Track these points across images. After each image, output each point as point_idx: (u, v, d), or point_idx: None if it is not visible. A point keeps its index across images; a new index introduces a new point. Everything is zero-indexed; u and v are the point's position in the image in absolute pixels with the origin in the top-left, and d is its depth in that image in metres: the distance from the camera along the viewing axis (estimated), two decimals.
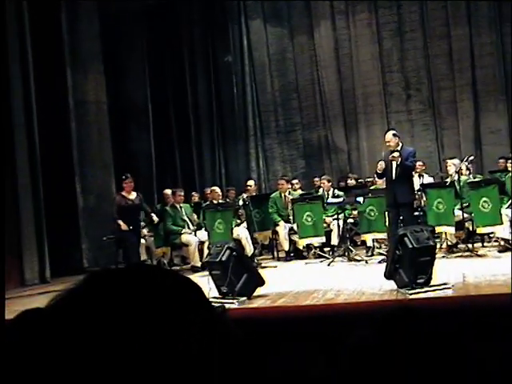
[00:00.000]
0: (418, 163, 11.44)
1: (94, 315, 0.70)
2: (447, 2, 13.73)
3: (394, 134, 9.03)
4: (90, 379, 0.68)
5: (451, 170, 9.84)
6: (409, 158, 8.86)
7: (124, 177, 9.71)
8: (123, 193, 9.70)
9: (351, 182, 12.05)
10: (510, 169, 9.77)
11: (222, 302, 6.45)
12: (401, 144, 9.05)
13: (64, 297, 0.74)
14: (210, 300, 0.78)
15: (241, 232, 10.47)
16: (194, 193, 12.39)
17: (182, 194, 10.87)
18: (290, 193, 11.10)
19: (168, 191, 11.13)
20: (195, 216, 10.93)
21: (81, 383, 0.68)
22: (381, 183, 10.09)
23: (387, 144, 8.98)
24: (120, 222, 9.49)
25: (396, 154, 8.73)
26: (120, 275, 0.76)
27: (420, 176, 11.12)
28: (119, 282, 0.74)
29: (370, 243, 10.12)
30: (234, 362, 0.76)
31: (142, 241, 10.52)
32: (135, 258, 9.47)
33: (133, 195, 9.70)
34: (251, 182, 12.04)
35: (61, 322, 0.71)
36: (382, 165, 8.83)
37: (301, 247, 10.59)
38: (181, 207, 10.68)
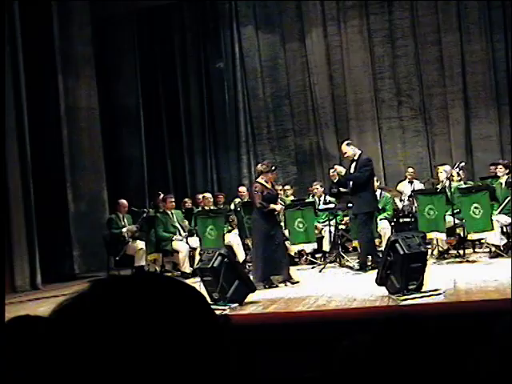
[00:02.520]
0: (409, 170, 11.51)
1: (102, 321, 0.70)
2: (438, 8, 13.79)
3: (348, 144, 9.15)
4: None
5: (442, 176, 9.86)
6: (361, 168, 8.89)
7: (273, 167, 8.86)
8: (263, 182, 8.60)
9: (342, 188, 12.02)
10: (499, 174, 9.78)
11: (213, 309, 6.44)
12: (358, 153, 9.08)
13: (71, 303, 0.74)
14: None
15: (232, 238, 10.47)
16: (185, 199, 12.37)
17: (173, 200, 10.85)
18: (281, 199, 11.10)
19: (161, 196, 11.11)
20: (186, 222, 10.91)
21: None
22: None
23: (345, 156, 9.13)
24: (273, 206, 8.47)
25: (334, 170, 9.33)
26: (126, 282, 0.76)
27: (410, 182, 11.19)
28: (126, 289, 0.75)
29: None
30: (237, 367, 0.76)
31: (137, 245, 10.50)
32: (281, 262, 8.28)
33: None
34: (243, 189, 12.03)
35: (69, 328, 0.71)
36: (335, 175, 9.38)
37: (292, 253, 10.58)
38: (172, 213, 10.66)
